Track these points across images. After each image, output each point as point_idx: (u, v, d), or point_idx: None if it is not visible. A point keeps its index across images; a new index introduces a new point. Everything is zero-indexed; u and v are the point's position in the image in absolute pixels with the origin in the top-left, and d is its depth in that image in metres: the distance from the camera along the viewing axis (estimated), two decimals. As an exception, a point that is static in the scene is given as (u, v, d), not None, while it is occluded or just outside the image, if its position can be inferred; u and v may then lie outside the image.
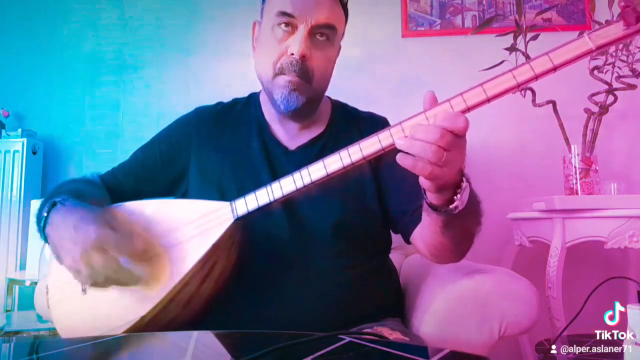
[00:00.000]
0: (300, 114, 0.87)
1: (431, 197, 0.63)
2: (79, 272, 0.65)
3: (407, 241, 0.88)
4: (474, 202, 0.66)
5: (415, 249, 0.86)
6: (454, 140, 0.55)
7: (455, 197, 0.61)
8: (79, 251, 0.64)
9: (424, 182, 0.60)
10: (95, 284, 0.66)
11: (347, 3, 0.88)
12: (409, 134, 0.57)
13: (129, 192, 0.90)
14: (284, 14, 0.81)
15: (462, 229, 0.70)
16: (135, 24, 2.20)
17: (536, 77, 0.55)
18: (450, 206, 0.62)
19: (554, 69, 0.55)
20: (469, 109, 0.57)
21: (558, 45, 0.55)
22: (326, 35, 0.83)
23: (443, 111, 0.56)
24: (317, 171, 0.65)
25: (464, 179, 0.61)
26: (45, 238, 0.72)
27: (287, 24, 0.81)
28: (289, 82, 0.82)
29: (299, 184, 0.67)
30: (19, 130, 2.09)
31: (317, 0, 0.81)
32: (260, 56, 0.87)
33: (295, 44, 0.80)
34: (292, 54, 0.81)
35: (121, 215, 0.74)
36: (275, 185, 0.69)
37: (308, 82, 0.83)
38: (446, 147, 0.55)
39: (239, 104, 0.97)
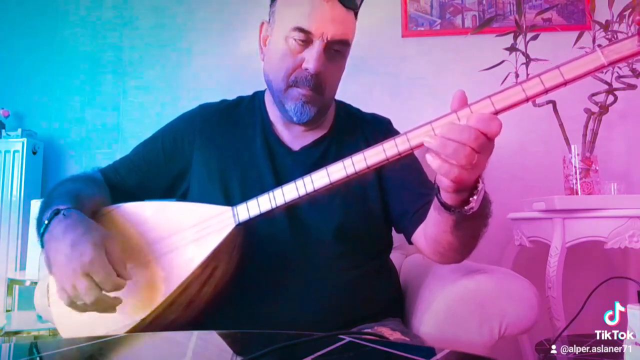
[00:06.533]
0: (310, 123, 0.87)
1: (446, 197, 0.61)
2: (62, 289, 0.64)
3: (409, 241, 0.87)
4: (486, 203, 0.65)
5: (417, 248, 0.85)
6: (486, 143, 0.54)
7: (471, 199, 0.60)
8: (69, 270, 0.63)
9: (442, 181, 0.58)
10: (73, 305, 0.64)
11: (358, 12, 0.86)
12: (439, 134, 0.55)
13: (130, 187, 0.89)
14: (300, 29, 0.79)
15: (471, 230, 0.70)
16: (135, 24, 2.20)
17: (546, 91, 0.54)
18: (465, 207, 0.61)
19: (565, 83, 0.53)
20: None
21: (570, 59, 0.53)
22: (340, 49, 0.83)
23: (478, 112, 0.54)
24: (320, 179, 0.65)
25: (480, 180, 0.60)
26: (42, 243, 0.71)
27: (302, 39, 0.80)
28: (302, 95, 0.82)
29: (302, 192, 0.66)
30: (19, 130, 2.09)
31: (333, 15, 0.80)
32: (271, 64, 0.86)
33: (311, 60, 0.79)
34: (307, 69, 0.80)
35: (122, 238, 0.72)
36: (277, 191, 0.68)
37: (320, 94, 0.83)
38: (478, 149, 0.53)
39: (243, 103, 0.97)
